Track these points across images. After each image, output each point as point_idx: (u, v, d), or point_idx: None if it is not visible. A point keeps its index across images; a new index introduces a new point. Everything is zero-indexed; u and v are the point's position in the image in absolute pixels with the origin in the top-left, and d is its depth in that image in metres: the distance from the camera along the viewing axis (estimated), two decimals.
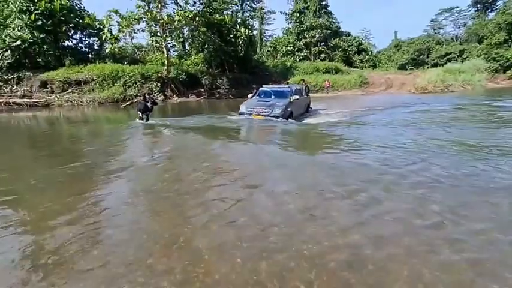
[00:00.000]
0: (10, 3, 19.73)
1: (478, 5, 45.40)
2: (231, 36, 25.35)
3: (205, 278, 2.01)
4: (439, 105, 12.97)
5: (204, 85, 24.01)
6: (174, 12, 21.85)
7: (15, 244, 2.49)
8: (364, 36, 52.96)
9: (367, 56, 43.31)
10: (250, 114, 9.39)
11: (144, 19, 21.05)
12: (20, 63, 20.20)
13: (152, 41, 25.88)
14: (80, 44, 24.10)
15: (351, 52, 41.82)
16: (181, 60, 26.54)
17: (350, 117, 10.25)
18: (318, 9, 39.51)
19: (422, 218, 2.72)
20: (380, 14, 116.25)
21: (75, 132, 9.44)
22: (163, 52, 22.98)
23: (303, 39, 39.28)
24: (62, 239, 2.52)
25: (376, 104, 14.28)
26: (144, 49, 30.76)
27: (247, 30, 25.74)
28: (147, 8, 21.60)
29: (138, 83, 20.52)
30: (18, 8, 19.27)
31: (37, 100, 17.88)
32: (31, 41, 19.64)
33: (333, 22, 40.87)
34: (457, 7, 48.56)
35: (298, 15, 40.64)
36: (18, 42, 19.22)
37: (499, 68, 32.05)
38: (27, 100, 17.76)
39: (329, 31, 39.55)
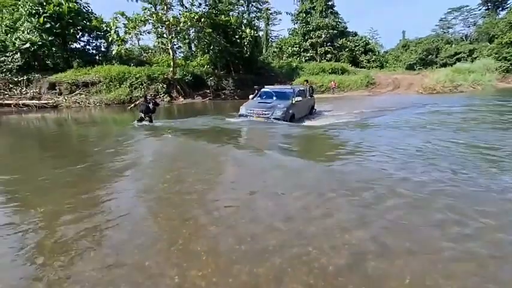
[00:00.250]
0: (20, 7, 20.13)
1: (489, 4, 44.52)
2: (237, 37, 25.41)
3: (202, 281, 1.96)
4: (449, 106, 12.48)
5: (210, 86, 24.08)
6: (179, 14, 21.99)
7: (20, 241, 2.47)
8: (371, 36, 52.46)
9: (374, 56, 42.82)
10: (251, 116, 9.06)
11: (150, 21, 21.21)
12: (30, 66, 20.57)
13: (158, 42, 26.11)
14: (87, 46, 24.48)
15: (357, 52, 41.40)
16: (187, 62, 26.68)
17: (355, 119, 9.91)
18: (324, 9, 39.26)
19: None
20: (388, 13, 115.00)
21: (81, 134, 9.54)
22: (169, 53, 23.13)
23: (309, 40, 39.05)
24: (62, 239, 2.50)
25: (383, 105, 13.91)
26: (150, 51, 31.03)
27: (252, 31, 25.75)
28: (153, 10, 21.81)
29: (145, 85, 20.71)
30: (28, 11, 19.64)
31: (46, 102, 18.17)
32: (40, 43, 19.99)
33: (340, 22, 40.55)
34: (467, 6, 47.81)
35: (304, 15, 40.45)
36: (28, 45, 19.57)
37: (510, 67, 31.30)
38: (36, 102, 18.07)
39: (335, 31, 39.24)
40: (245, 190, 3.62)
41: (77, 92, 19.36)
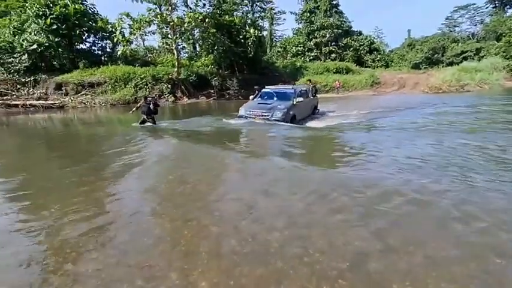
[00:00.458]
0: (27, 9, 20.42)
1: (496, 2, 43.82)
2: (241, 37, 25.43)
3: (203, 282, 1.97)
4: (457, 106, 12.08)
5: (214, 86, 24.15)
6: (184, 15, 22.07)
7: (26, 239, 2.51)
8: (376, 35, 51.95)
9: (379, 56, 42.43)
10: (250, 118, 8.78)
11: (155, 22, 21.36)
12: (37, 67, 20.85)
13: (163, 43, 26.27)
14: (93, 47, 24.76)
15: (362, 52, 41.07)
16: (192, 62, 26.79)
17: (360, 120, 9.65)
18: (328, 8, 39.03)
19: None
20: (393, 12, 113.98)
21: (86, 134, 9.65)
22: (173, 54, 23.26)
23: (314, 39, 38.87)
24: (66, 238, 2.53)
25: (388, 105, 13.67)
26: (155, 51, 31.20)
27: (256, 31, 25.77)
28: (157, 10, 21.96)
29: (149, 85, 20.86)
30: (35, 13, 19.91)
31: (52, 102, 18.41)
32: (47, 44, 20.26)
33: (344, 21, 40.29)
34: (474, 4, 47.05)
35: (308, 15, 40.27)
36: (35, 46, 19.85)
37: None
38: (43, 102, 18.32)
39: (340, 31, 38.99)
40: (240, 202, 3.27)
41: (83, 92, 19.58)
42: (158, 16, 20.99)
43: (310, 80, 14.40)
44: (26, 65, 20.10)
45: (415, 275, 1.97)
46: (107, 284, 2.01)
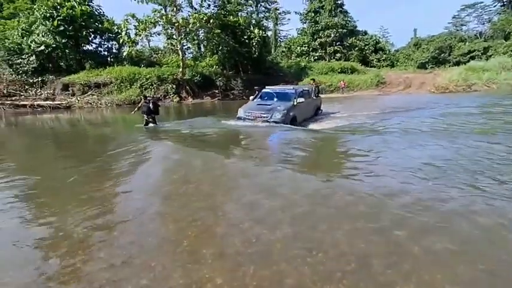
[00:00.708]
0: (35, 11, 20.73)
1: (504, 0, 43.10)
2: (245, 37, 25.46)
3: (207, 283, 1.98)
4: (466, 107, 11.55)
5: (218, 86, 24.22)
6: (189, 15, 22.18)
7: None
8: (382, 34, 51.53)
9: (384, 55, 42.09)
10: (249, 119, 8.42)
11: (160, 23, 21.51)
12: (44, 67, 21.18)
13: (168, 43, 26.39)
14: (99, 48, 25.04)
15: (367, 51, 40.78)
16: (196, 62, 26.90)
17: (363, 122, 9.28)
18: (333, 8, 38.83)
19: None
20: (398, 11, 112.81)
21: (92, 135, 9.77)
22: (178, 54, 23.40)
23: (318, 39, 38.73)
24: (71, 238, 2.57)
25: (393, 106, 13.44)
26: (160, 52, 31.41)
27: (261, 31, 25.78)
28: (163, 11, 22.11)
29: (155, 85, 21.05)
30: (43, 14, 20.21)
31: (59, 102, 18.67)
32: (54, 45, 20.55)
33: (349, 21, 40.07)
34: (481, 2, 46.26)
35: (313, 14, 40.13)
36: (42, 47, 20.15)
37: None
38: (50, 102, 18.58)
39: (345, 30, 38.79)
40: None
41: (89, 92, 19.82)
42: (163, 17, 21.14)
43: (314, 80, 14.28)
44: (33, 66, 20.42)
45: None
46: (112, 283, 2.03)
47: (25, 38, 20.59)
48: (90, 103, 18.97)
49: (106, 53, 25.34)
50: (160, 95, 20.97)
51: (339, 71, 30.71)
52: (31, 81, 20.01)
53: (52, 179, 4.55)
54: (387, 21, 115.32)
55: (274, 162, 4.96)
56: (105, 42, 25.05)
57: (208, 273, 2.07)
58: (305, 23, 42.36)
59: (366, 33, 43.02)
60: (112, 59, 24.49)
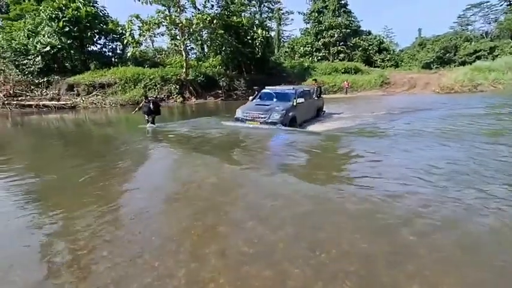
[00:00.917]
0: (41, 12, 20.96)
1: None
2: (248, 38, 25.51)
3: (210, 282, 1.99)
4: (474, 108, 11.23)
5: (222, 87, 24.27)
6: (192, 16, 22.26)
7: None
8: (386, 34, 51.31)
9: (388, 55, 41.85)
10: (247, 120, 8.19)
11: (163, 23, 21.60)
12: (49, 68, 21.39)
13: (172, 44, 26.49)
14: (104, 49, 25.21)
15: (371, 51, 40.58)
16: (200, 63, 26.99)
17: (366, 123, 9.04)
18: (337, 8, 38.73)
19: None
20: (403, 11, 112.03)
21: (97, 135, 9.85)
22: (182, 55, 23.47)
23: (322, 39, 38.63)
24: (76, 237, 2.58)
25: (398, 107, 13.29)
26: (164, 52, 31.56)
27: (264, 32, 25.80)
28: (166, 12, 22.21)
29: (158, 86, 21.16)
30: (48, 16, 20.42)
31: (64, 103, 18.84)
32: (59, 46, 20.77)
33: (353, 21, 39.92)
34: (487, 1, 45.83)
35: (316, 15, 40.05)
36: (48, 48, 20.37)
37: None
38: (56, 103, 18.76)
39: (348, 30, 38.65)
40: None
41: (94, 93, 19.98)
42: (167, 18, 21.23)
43: (316, 80, 14.18)
44: (39, 66, 20.64)
45: None
46: (117, 282, 2.04)
47: (31, 39, 20.82)
48: (95, 103, 19.11)
49: (110, 53, 25.54)
50: (164, 95, 21.08)
51: (343, 71, 30.60)
52: (37, 81, 20.23)
53: (57, 177, 4.58)
54: (391, 21, 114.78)
55: (271, 167, 4.78)
56: (110, 43, 25.25)
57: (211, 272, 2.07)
58: (308, 23, 42.29)
59: (369, 33, 42.83)
60: (116, 60, 24.68)
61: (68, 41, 21.05)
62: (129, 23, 20.93)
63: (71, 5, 20.84)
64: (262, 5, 39.96)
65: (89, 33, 22.43)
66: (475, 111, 10.39)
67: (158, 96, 20.32)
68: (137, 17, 20.87)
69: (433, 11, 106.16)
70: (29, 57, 20.56)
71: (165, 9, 22.71)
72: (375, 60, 40.45)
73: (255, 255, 2.27)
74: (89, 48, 24.11)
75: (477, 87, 21.62)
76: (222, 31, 22.89)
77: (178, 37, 23.23)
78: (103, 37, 24.51)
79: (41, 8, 21.28)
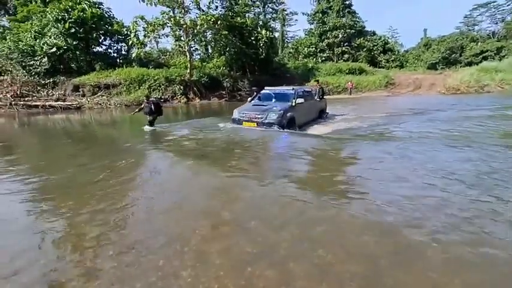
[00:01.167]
0: (47, 14, 21.25)
1: None
2: (252, 38, 25.56)
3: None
4: (481, 110, 10.80)
5: (226, 87, 24.33)
6: (196, 17, 22.37)
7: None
8: (391, 35, 51.00)
9: (393, 56, 41.60)
10: (243, 120, 7.89)
11: (168, 24, 21.75)
12: (56, 69, 21.66)
13: (176, 45, 26.68)
14: (109, 50, 25.45)
15: (376, 52, 40.37)
16: (204, 64, 27.11)
17: (370, 126, 8.62)
18: (341, 8, 38.64)
19: None
20: (408, 11, 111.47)
21: (102, 135, 9.92)
22: (186, 56, 23.60)
23: (326, 40, 38.54)
24: (81, 236, 2.59)
25: (403, 108, 13.06)
26: (168, 53, 31.76)
27: (268, 33, 25.83)
28: (171, 13, 22.35)
29: (163, 86, 21.29)
30: (55, 17, 20.70)
31: (70, 103, 19.03)
32: (65, 47, 21.02)
33: (357, 21, 39.78)
34: (495, 1, 45.35)
35: (320, 15, 39.99)
36: (54, 49, 20.63)
37: None
38: (61, 103, 18.95)
39: (353, 31, 38.52)
40: None
41: (99, 93, 20.17)
42: (171, 19, 21.37)
43: (318, 81, 14.09)
44: (45, 67, 20.91)
45: None
46: (121, 281, 2.04)
47: (38, 40, 21.11)
48: (100, 104, 19.28)
49: (115, 54, 25.76)
50: (168, 96, 21.20)
51: (347, 72, 30.50)
52: (43, 82, 20.49)
53: (63, 177, 4.61)
54: (396, 22, 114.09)
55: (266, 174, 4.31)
56: (115, 44, 25.49)
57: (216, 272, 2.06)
58: (312, 23, 42.25)
59: (374, 33, 42.63)
60: (121, 61, 24.90)
61: (74, 42, 21.29)
62: (134, 24, 21.11)
63: (77, 6, 21.11)
64: (266, 6, 40.02)
65: (94, 35, 22.68)
66: (484, 112, 10.09)
67: (162, 97, 20.47)
68: (142, 18, 21.04)
69: (439, 11, 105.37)
70: (36, 58, 20.84)
71: (169, 11, 22.85)
72: (379, 60, 40.24)
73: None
74: (95, 49, 24.38)
75: (484, 88, 21.37)
76: (226, 32, 22.96)
77: (182, 38, 23.37)
78: (108, 38, 24.77)
79: (47, 9, 21.58)
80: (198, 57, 30.89)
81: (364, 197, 3.27)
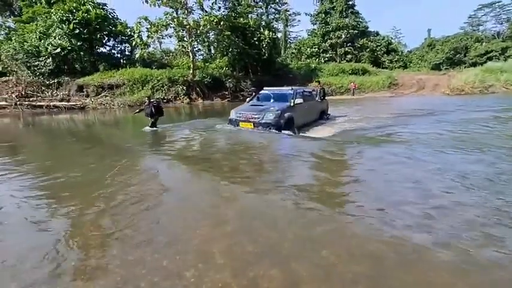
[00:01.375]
0: (52, 15, 21.46)
1: None
2: (255, 39, 25.60)
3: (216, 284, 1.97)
4: (488, 112, 10.50)
5: (228, 88, 24.37)
6: (199, 18, 22.45)
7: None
8: (394, 35, 50.98)
9: (397, 56, 41.44)
10: (240, 121, 7.67)
11: (171, 25, 21.85)
12: (60, 69, 21.86)
13: (179, 45, 26.77)
14: (112, 50, 25.69)
15: (379, 52, 40.22)
16: (206, 64, 27.19)
17: (373, 128, 8.33)
18: (344, 9, 38.56)
19: None
20: (411, 11, 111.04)
21: (105, 135, 9.98)
22: (189, 56, 23.69)
23: (329, 40, 38.48)
24: (82, 235, 2.61)
25: (407, 109, 12.88)
26: (171, 54, 31.91)
27: (271, 33, 25.85)
28: (174, 14, 22.46)
29: (166, 87, 21.37)
30: (59, 18, 20.89)
31: (74, 103, 19.19)
32: (69, 48, 21.22)
33: (360, 22, 39.68)
34: (499, 1, 45.05)
35: (323, 16, 39.94)
36: (58, 50, 20.82)
37: None
38: (66, 103, 19.12)
39: (356, 31, 38.42)
40: None
41: (103, 94, 20.31)
42: (175, 19, 21.47)
43: (319, 82, 13.94)
44: (50, 68, 21.11)
45: None
46: (125, 280, 2.05)
47: (42, 41, 21.32)
48: (104, 104, 19.41)
49: (119, 55, 25.96)
50: (171, 96, 21.28)
51: (350, 72, 30.43)
52: (48, 82, 20.69)
53: (68, 177, 4.65)
54: (400, 22, 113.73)
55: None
56: (118, 45, 25.69)
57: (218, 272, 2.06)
58: (315, 24, 42.24)
59: (377, 34, 42.50)
60: (125, 61, 25.06)
61: (78, 43, 21.47)
62: (138, 24, 21.25)
63: (81, 7, 21.30)
64: (269, 7, 40.11)
65: (98, 35, 22.86)
66: (491, 114, 9.87)
67: (165, 97, 20.55)
68: (146, 19, 21.16)
69: (443, 12, 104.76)
70: (40, 59, 21.04)
71: (172, 11, 22.97)
72: (382, 61, 40.11)
73: None
74: (98, 50, 24.58)
75: (488, 89, 21.22)
76: (229, 32, 23.03)
77: (185, 39, 23.47)
78: (112, 39, 24.95)
79: (52, 10, 21.79)
80: (201, 57, 31.02)
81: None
